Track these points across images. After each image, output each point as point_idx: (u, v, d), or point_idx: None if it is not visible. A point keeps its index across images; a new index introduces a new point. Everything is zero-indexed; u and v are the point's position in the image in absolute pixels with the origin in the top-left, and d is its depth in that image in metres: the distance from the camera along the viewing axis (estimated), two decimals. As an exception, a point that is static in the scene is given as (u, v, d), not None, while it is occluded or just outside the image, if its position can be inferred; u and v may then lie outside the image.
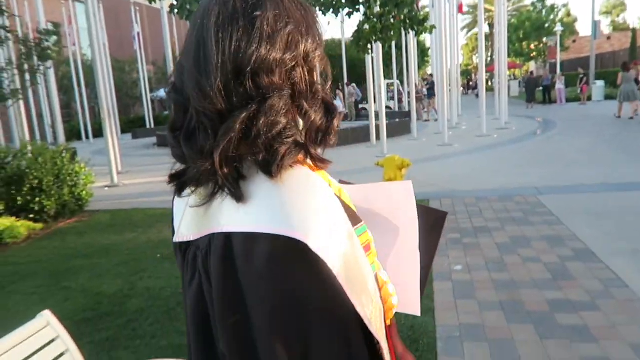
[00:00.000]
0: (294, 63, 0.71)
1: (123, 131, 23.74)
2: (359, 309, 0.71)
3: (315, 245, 0.65)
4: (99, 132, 18.31)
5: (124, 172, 11.37)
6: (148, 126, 24.78)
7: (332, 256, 0.67)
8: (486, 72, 32.51)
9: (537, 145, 11.68)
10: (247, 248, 0.67)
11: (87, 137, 22.22)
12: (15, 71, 7.68)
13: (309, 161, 0.76)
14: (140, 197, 8.60)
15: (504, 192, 6.83)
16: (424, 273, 1.07)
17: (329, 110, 0.76)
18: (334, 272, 0.67)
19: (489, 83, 34.85)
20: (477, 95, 33.34)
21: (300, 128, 0.73)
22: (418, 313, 1.08)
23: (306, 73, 0.74)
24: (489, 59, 39.31)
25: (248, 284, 0.68)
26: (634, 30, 32.25)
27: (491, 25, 39.00)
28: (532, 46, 38.43)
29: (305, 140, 0.73)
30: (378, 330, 0.76)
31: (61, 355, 1.45)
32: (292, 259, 0.66)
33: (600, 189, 6.69)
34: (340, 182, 0.96)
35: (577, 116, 17.59)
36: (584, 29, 57.07)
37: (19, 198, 6.63)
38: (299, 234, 0.65)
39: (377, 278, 0.83)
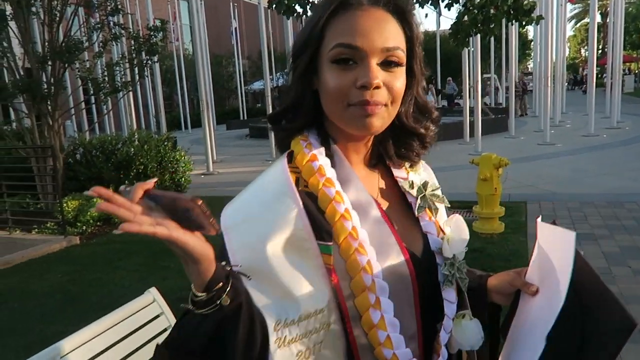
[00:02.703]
0: None
1: (218, 122, 24.92)
2: (261, 300, 0.70)
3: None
4: (196, 123, 19.41)
5: (218, 161, 11.94)
6: (242, 118, 25.82)
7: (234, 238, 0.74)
8: (597, 65, 30.08)
9: (653, 147, 10.57)
10: None
11: (186, 127, 23.64)
12: (127, 65, 8.31)
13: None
14: (233, 185, 8.97)
15: (613, 197, 6.25)
16: None
17: None
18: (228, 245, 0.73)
19: (599, 77, 32.13)
20: (584, 91, 30.90)
21: None
22: None
23: None
24: (600, 51, 36.22)
25: None
26: None
27: (604, 15, 35.88)
28: (652, 38, 34.90)
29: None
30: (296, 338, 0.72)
31: (164, 330, 1.53)
32: None
33: None
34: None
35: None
36: None
37: (126, 182, 7.19)
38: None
39: (363, 322, 0.75)
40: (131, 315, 1.51)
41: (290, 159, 0.81)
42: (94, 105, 13.10)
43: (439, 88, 23.30)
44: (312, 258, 0.73)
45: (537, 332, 0.79)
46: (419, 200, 0.86)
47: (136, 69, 8.06)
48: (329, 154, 0.81)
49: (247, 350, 0.67)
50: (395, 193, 0.87)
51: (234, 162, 12.20)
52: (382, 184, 0.87)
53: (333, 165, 0.80)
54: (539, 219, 0.89)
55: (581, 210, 5.75)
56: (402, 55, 0.77)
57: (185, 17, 27.86)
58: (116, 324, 1.49)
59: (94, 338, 1.45)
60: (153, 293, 1.59)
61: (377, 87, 0.74)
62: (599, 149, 10.48)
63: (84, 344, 1.42)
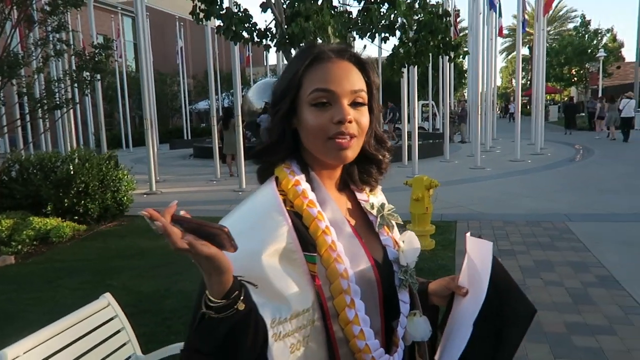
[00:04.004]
0: None
1: (161, 141, 24.55)
2: (257, 299, 0.81)
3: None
4: (138, 141, 19.07)
5: (161, 181, 11.84)
6: (186, 137, 25.56)
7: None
8: (524, 96, 32.20)
9: (571, 171, 11.56)
10: None
11: (127, 146, 23.11)
12: (68, 81, 8.22)
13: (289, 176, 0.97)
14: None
15: (532, 217, 6.85)
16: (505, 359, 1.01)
17: None
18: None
19: (528, 107, 34.40)
20: (509, 119, 32.87)
21: None
22: None
23: None
24: (528, 82, 38.85)
25: None
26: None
27: (531, 49, 38.63)
28: (574, 71, 37.79)
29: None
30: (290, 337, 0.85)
31: (118, 332, 1.68)
32: None
33: (632, 218, 6.64)
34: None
35: (618, 144, 17.24)
36: (630, 55, 55.76)
37: (65, 200, 7.07)
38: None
39: (340, 319, 0.90)
40: (87, 318, 1.66)
41: (276, 184, 0.97)
42: (29, 123, 12.66)
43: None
44: (299, 266, 0.88)
45: (466, 322, 0.98)
46: (378, 219, 1.04)
47: (77, 85, 7.99)
48: (309, 180, 0.97)
49: (254, 346, 0.80)
50: (358, 213, 1.04)
51: (177, 182, 12.14)
52: (349, 205, 1.04)
53: (312, 189, 0.96)
54: (468, 234, 1.07)
55: (504, 229, 6.28)
56: (365, 96, 0.95)
57: (128, 33, 27.48)
58: (72, 326, 1.64)
59: (49, 339, 1.59)
60: (108, 297, 1.74)
61: (350, 122, 0.91)
62: (523, 173, 11.33)
63: (39, 344, 1.56)
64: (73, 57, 7.99)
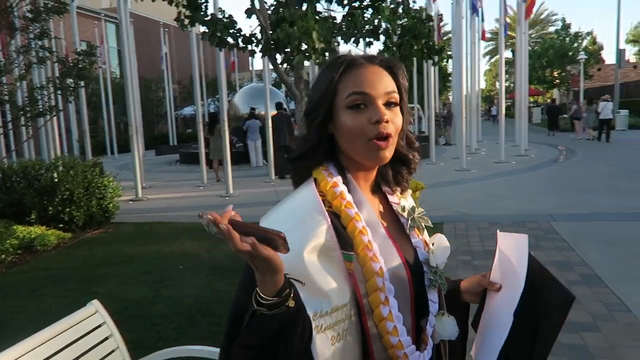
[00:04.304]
0: None
1: (147, 147, 24.32)
2: (305, 296, 0.85)
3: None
4: (123, 148, 18.91)
5: (147, 187, 11.76)
6: (171, 143, 25.40)
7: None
8: (508, 98, 32.57)
9: (554, 172, 11.74)
10: None
11: (112, 153, 22.89)
12: (52, 88, 8.14)
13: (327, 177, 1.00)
14: (162, 211, 8.93)
15: (517, 218, 6.95)
16: (541, 354, 1.00)
17: None
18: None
19: (511, 110, 34.84)
20: (493, 121, 33.19)
21: None
22: None
23: None
24: (511, 85, 39.36)
25: None
26: (658, 60, 32.05)
27: (514, 52, 39.12)
28: (556, 74, 38.38)
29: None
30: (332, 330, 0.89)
31: (106, 339, 1.68)
32: None
33: (614, 217, 6.76)
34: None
35: (599, 145, 17.54)
36: (610, 57, 56.81)
37: (50, 208, 7.00)
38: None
39: (375, 316, 0.93)
40: (74, 326, 1.66)
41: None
42: (11, 131, 12.50)
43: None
44: (337, 263, 0.92)
45: (504, 313, 1.01)
46: (409, 221, 1.08)
47: (61, 92, 7.92)
48: (345, 182, 1.01)
49: (302, 341, 0.84)
50: (390, 215, 1.08)
51: (163, 188, 12.07)
52: (381, 208, 1.08)
53: (349, 191, 1.00)
54: (498, 231, 1.12)
55: (489, 230, 6.35)
56: (397, 97, 1.00)
57: (112, 40, 27.29)
58: (59, 334, 1.63)
59: (37, 347, 1.58)
60: (95, 304, 1.74)
61: (387, 122, 0.96)
62: (508, 175, 11.48)
63: (26, 353, 1.55)
64: (56, 64, 7.91)
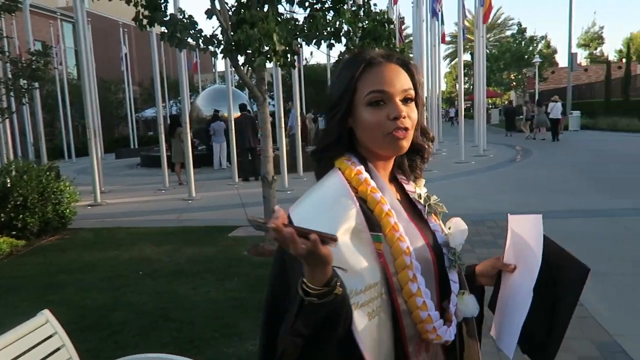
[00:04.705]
0: None
1: (106, 150, 23.72)
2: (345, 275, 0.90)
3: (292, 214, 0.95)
4: (81, 151, 18.34)
5: (106, 192, 11.45)
6: (132, 146, 24.82)
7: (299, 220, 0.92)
8: (467, 100, 33.37)
9: (512, 172, 12.11)
10: None
11: (70, 156, 22.17)
12: (3, 90, 7.84)
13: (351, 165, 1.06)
14: (122, 216, 8.72)
15: (477, 217, 7.13)
16: (561, 327, 1.04)
17: None
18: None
19: (470, 111, 35.70)
20: (452, 123, 33.87)
21: None
22: (510, 354, 1.10)
23: None
24: (471, 87, 40.35)
25: None
26: (608, 63, 33.48)
27: (473, 55, 40.13)
28: (512, 76, 39.56)
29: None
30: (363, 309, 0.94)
31: (58, 349, 1.63)
32: None
33: (567, 215, 7.04)
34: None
35: (552, 145, 18.19)
36: (563, 60, 59.11)
37: (2, 215, 6.71)
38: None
39: (404, 292, 0.99)
40: (24, 336, 1.60)
41: None
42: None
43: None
44: (367, 244, 0.96)
45: (523, 291, 1.06)
46: (427, 207, 1.13)
47: (14, 94, 7.63)
48: (367, 170, 1.07)
49: (346, 323, 0.89)
50: (407, 202, 1.13)
51: (123, 192, 11.77)
52: (398, 196, 1.12)
53: (371, 178, 1.06)
54: (509, 214, 1.19)
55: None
56: (413, 93, 1.06)
57: (69, 40, 26.44)
58: (8, 345, 1.57)
59: (-16, 361, 1.52)
60: (46, 314, 1.68)
61: (404, 117, 1.02)
62: (468, 175, 11.77)
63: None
64: (8, 64, 7.61)
